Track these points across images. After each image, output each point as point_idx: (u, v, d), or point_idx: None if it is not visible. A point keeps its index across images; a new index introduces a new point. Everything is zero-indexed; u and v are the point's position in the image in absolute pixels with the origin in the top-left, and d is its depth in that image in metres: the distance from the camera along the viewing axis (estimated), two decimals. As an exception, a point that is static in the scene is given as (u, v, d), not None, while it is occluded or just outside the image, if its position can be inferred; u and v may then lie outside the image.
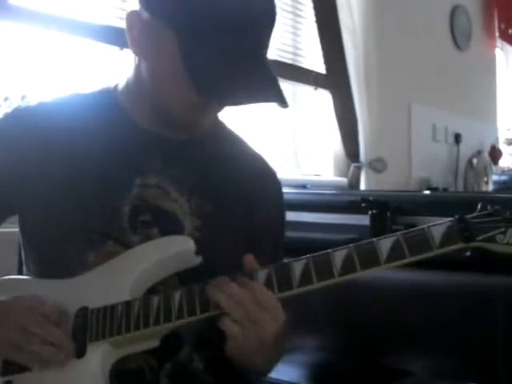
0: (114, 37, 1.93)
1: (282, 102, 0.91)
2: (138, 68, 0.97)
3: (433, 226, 0.83)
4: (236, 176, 1.04)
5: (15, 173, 0.97)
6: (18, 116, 1.01)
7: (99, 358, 0.84)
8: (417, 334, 1.41)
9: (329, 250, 0.84)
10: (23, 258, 1.03)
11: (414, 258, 0.82)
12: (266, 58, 0.93)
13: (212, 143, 1.04)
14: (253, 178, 1.06)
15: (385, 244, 0.82)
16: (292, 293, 0.84)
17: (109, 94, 1.03)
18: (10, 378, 0.86)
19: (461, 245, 0.82)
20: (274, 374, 1.24)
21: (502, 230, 0.82)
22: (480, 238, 0.82)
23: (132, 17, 0.94)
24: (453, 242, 0.82)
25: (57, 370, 0.84)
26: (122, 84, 1.03)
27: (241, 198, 1.03)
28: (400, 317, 1.48)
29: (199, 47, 0.87)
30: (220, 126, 1.08)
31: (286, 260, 1.07)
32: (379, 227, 1.66)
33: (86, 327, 0.85)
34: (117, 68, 2.00)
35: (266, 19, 0.91)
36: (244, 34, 0.88)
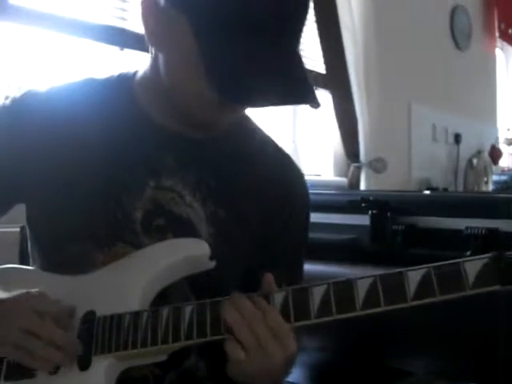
0: (114, 37, 1.93)
1: (314, 103, 0.81)
2: (154, 60, 0.89)
3: (467, 261, 0.75)
4: (257, 178, 0.96)
5: (18, 161, 0.92)
6: (26, 101, 0.94)
7: (104, 371, 0.81)
8: (417, 333, 1.41)
9: (352, 278, 0.77)
10: (29, 250, 0.99)
11: (443, 298, 0.74)
12: (297, 54, 0.83)
13: (233, 142, 0.96)
14: (275, 181, 0.98)
15: (413, 278, 0.75)
16: (308, 323, 0.77)
17: (125, 83, 0.96)
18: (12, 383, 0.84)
19: (497, 287, 0.73)
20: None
21: None
22: None
23: (148, 3, 0.85)
24: (489, 283, 0.73)
25: (60, 381, 0.81)
26: (140, 73, 0.95)
27: (260, 203, 0.95)
28: (400, 316, 1.48)
29: (219, 42, 0.78)
30: (244, 122, 0.99)
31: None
32: (379, 227, 1.66)
33: (92, 338, 0.82)
34: (117, 68, 2.00)
35: (296, 10, 0.80)
36: (273, 29, 0.78)
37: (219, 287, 0.84)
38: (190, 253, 0.87)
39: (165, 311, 0.81)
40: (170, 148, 0.92)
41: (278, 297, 0.78)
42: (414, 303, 0.75)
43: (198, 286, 0.90)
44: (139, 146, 0.92)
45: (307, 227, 1.05)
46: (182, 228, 0.90)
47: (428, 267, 0.75)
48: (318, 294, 0.77)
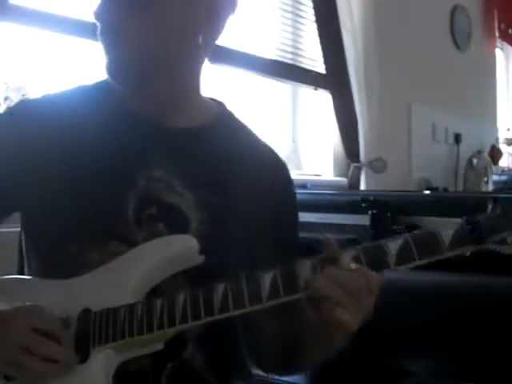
0: (113, 37, 1.92)
1: None
2: None
3: (442, 228, 0.81)
4: (246, 165, 1.01)
5: (15, 167, 0.95)
6: (20, 110, 1.00)
7: (102, 362, 0.82)
8: (418, 334, 1.41)
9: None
10: (25, 256, 1.01)
11: (422, 262, 0.80)
12: None
13: (218, 131, 1.01)
14: (263, 167, 1.03)
15: (393, 246, 0.80)
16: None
17: (113, 85, 0.99)
18: (13, 383, 0.84)
19: (472, 247, 0.79)
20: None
21: None
22: (491, 239, 0.79)
23: None
24: (463, 243, 0.79)
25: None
26: None
27: (250, 187, 0.99)
28: (401, 317, 1.48)
29: None
30: (227, 115, 1.06)
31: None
32: (379, 227, 1.67)
33: (89, 331, 0.83)
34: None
35: None
36: None
37: (215, 273, 0.86)
38: (179, 248, 0.89)
39: (159, 300, 0.83)
40: (159, 141, 0.97)
41: (268, 277, 0.81)
42: (397, 268, 0.81)
43: (192, 274, 0.91)
44: (128, 143, 0.96)
45: (297, 209, 1.09)
46: (173, 216, 0.93)
47: (405, 236, 0.81)
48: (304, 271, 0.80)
